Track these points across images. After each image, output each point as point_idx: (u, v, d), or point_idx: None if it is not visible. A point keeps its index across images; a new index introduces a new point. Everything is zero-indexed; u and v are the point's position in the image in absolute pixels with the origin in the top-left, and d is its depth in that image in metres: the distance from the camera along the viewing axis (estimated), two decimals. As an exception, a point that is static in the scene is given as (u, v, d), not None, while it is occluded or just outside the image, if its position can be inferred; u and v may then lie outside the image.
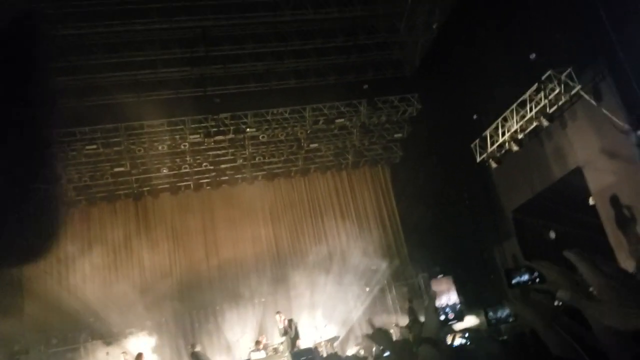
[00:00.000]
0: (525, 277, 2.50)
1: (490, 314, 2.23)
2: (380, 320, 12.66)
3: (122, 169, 14.04)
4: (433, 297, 1.96)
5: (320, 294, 13.97)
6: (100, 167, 14.04)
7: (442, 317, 1.93)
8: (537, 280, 2.38)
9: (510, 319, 2.24)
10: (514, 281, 2.52)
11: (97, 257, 14.01)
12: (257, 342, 11.77)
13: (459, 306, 1.95)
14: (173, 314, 13.46)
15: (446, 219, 13.58)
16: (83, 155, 13.45)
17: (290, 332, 11.52)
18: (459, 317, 1.95)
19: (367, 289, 13.79)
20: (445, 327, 1.95)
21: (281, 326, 11.89)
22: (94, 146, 13.24)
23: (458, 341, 3.16)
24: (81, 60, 12.23)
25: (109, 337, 12.43)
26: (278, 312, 12.33)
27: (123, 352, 12.03)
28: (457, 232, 13.19)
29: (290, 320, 11.83)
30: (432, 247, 13.36)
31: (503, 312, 2.30)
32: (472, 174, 14.18)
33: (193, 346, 11.74)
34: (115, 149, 13.58)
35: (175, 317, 13.48)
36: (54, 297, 13.08)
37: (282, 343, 11.91)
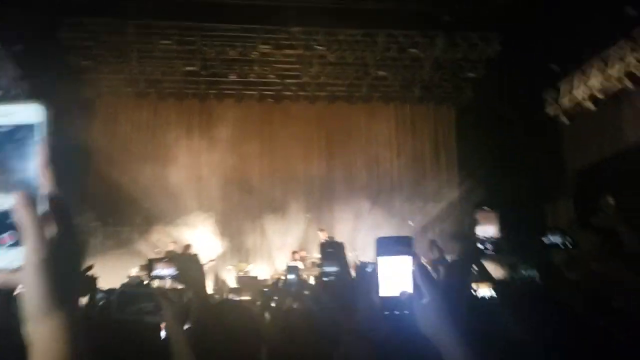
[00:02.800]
0: (559, 240, 2.50)
1: (549, 238, 2.26)
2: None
3: (192, 68, 14.38)
4: (474, 223, 1.99)
5: (363, 221, 14.22)
6: (173, 64, 14.41)
7: (480, 246, 1.96)
8: (570, 245, 2.38)
9: (566, 244, 2.26)
10: (547, 241, 2.52)
11: (160, 147, 14.74)
12: (294, 252, 12.26)
13: (498, 241, 1.98)
14: (222, 213, 14.12)
15: (506, 170, 13.29)
16: (158, 50, 13.82)
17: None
18: (497, 251, 1.98)
19: (411, 224, 13.89)
20: (482, 256, 1.99)
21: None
22: (169, 42, 13.57)
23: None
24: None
25: (161, 225, 13.23)
26: (321, 230, 12.68)
27: (172, 242, 12.82)
28: (514, 183, 12.92)
29: (331, 238, 12.16)
30: (486, 196, 13.18)
31: (557, 239, 2.32)
32: (541, 126, 13.68)
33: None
34: (188, 47, 13.85)
35: (224, 217, 14.14)
36: (116, 177, 13.91)
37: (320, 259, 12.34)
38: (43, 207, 0.71)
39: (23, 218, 0.69)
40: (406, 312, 1.18)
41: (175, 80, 14.80)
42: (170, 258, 2.32)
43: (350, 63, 14.75)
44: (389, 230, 14.10)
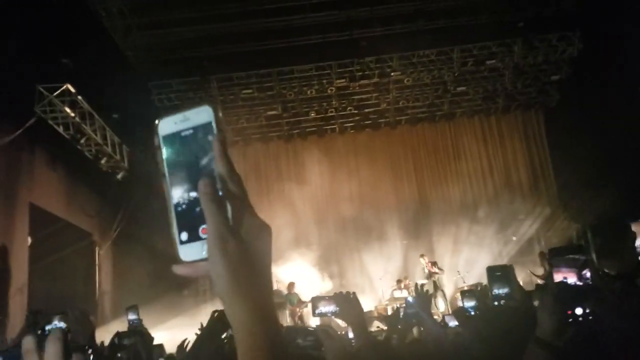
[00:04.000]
0: None
1: None
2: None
3: (274, 112, 14.91)
4: (634, 237, 1.90)
5: (463, 241, 13.85)
6: (255, 110, 15.02)
7: None
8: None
9: None
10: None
11: (252, 194, 15.17)
12: (399, 281, 12.11)
13: None
14: (320, 248, 14.28)
15: (608, 174, 12.48)
16: (240, 99, 14.47)
17: (438, 273, 11.63)
18: None
19: (514, 238, 13.35)
20: None
21: (426, 270, 12.04)
22: (250, 90, 14.18)
23: None
24: (235, 7, 12.90)
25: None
26: (422, 255, 12.49)
27: (276, 280, 13.08)
28: (616, 187, 12.10)
29: (434, 263, 11.93)
30: (588, 200, 12.43)
31: None
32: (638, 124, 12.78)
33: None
34: (268, 93, 14.39)
35: (323, 252, 14.29)
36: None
37: (423, 285, 12.10)
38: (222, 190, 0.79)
39: (208, 203, 0.76)
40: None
41: (259, 125, 15.36)
42: (332, 296, 2.38)
43: (428, 83, 14.65)
44: (492, 249, 13.63)
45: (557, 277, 1.28)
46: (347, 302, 2.24)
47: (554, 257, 1.31)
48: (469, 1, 12.94)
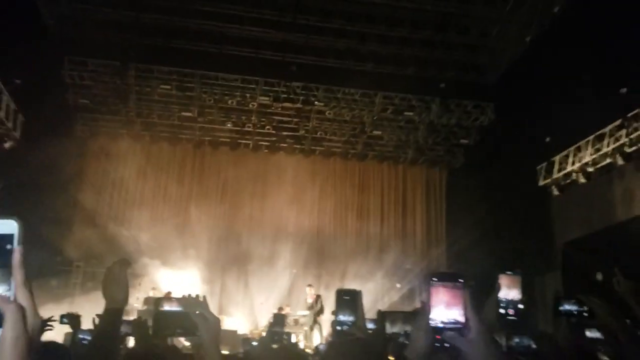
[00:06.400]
0: (574, 308, 2.44)
1: (564, 306, 2.22)
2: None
3: (189, 114, 14.47)
4: (497, 288, 1.92)
5: (350, 279, 14.00)
6: (170, 108, 14.50)
7: (502, 311, 1.89)
8: (586, 314, 2.33)
9: (582, 313, 2.26)
10: (561, 308, 2.46)
11: (148, 191, 14.62)
12: (280, 309, 11.94)
13: (520, 305, 1.91)
14: (207, 261, 13.83)
15: (494, 237, 13.26)
16: (156, 94, 13.93)
17: (316, 307, 11.61)
18: (518, 315, 1.91)
19: (398, 286, 13.70)
20: (502, 320, 1.92)
21: (309, 300, 11.98)
22: (169, 87, 13.71)
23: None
24: (174, 2, 12.55)
25: (143, 270, 12.91)
26: (309, 285, 12.41)
27: (153, 288, 12.49)
28: (502, 251, 12.87)
29: (318, 296, 11.91)
30: (473, 261, 13.08)
31: (573, 307, 2.27)
32: (531, 197, 13.77)
33: None
34: (188, 94, 13.98)
35: (208, 265, 13.85)
36: (101, 218, 13.72)
37: (304, 316, 12.03)
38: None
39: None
40: (455, 344, 1.22)
41: (170, 124, 14.82)
42: (180, 298, 2.22)
43: (348, 120, 14.95)
44: (375, 292, 13.89)
45: (436, 297, 1.27)
46: (194, 306, 2.07)
47: (432, 277, 1.30)
48: (399, 52, 13.46)
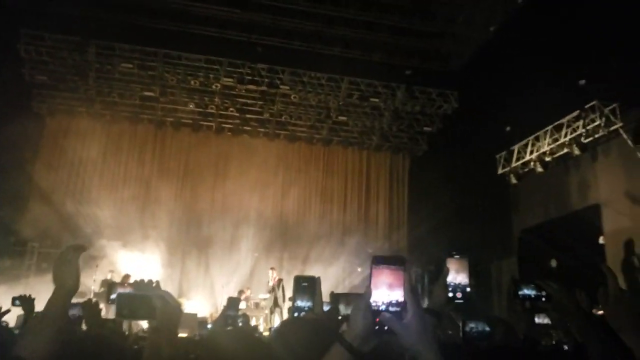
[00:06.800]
0: (532, 292, 2.50)
1: (523, 290, 2.27)
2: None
3: (151, 94, 14.13)
4: (446, 273, 1.95)
5: (312, 263, 14.06)
6: (131, 88, 14.12)
7: (450, 294, 1.92)
8: (544, 299, 2.38)
9: (541, 298, 2.32)
10: (520, 292, 2.52)
11: (108, 172, 14.28)
12: (240, 292, 11.92)
13: (468, 288, 1.94)
14: (167, 243, 13.65)
15: (453, 223, 13.52)
16: (117, 72, 13.54)
17: (277, 290, 11.62)
18: (466, 298, 1.94)
19: (359, 270, 13.84)
20: (451, 303, 1.95)
21: (271, 283, 11.98)
22: (130, 65, 13.34)
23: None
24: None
25: (102, 251, 12.64)
26: (272, 268, 12.39)
27: (111, 270, 12.25)
28: (460, 237, 13.13)
29: (280, 280, 11.91)
30: (432, 247, 13.32)
31: (532, 291, 2.33)
32: (490, 184, 14.07)
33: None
34: (150, 73, 13.64)
35: (169, 247, 13.67)
36: (59, 199, 13.34)
37: (265, 299, 12.04)
38: None
39: None
40: (391, 326, 1.22)
41: (132, 104, 14.46)
42: (133, 282, 2.18)
43: (313, 105, 14.88)
44: (337, 276, 14.00)
45: (378, 279, 1.28)
46: (148, 291, 2.04)
47: (375, 260, 1.31)
48: (365, 37, 13.42)
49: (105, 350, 2.59)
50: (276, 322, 11.48)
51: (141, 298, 2.11)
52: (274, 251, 14.53)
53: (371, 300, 1.25)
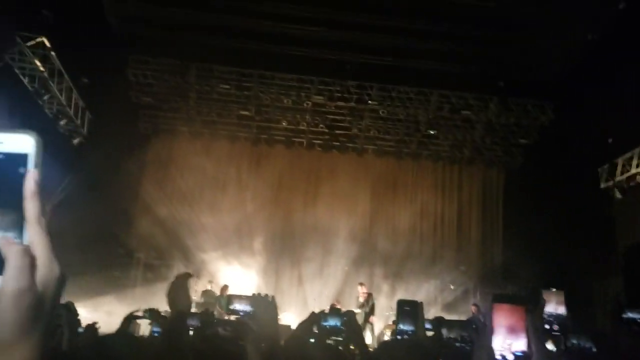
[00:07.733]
0: (638, 317, 2.39)
1: (627, 314, 2.20)
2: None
3: (247, 113, 14.81)
4: (542, 304, 1.95)
5: (403, 280, 13.98)
6: (229, 107, 14.89)
7: (547, 326, 1.91)
8: None
9: None
10: (625, 315, 2.42)
11: (208, 187, 15.07)
12: (332, 304, 12.04)
13: (565, 319, 1.93)
14: (262, 255, 14.14)
15: (553, 240, 12.91)
16: (216, 92, 14.32)
17: (367, 306, 11.64)
18: (563, 331, 1.93)
19: (452, 287, 13.56)
20: (547, 335, 1.95)
21: (361, 299, 12.00)
22: (227, 86, 14.09)
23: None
24: (237, 2, 12.76)
25: (201, 263, 13.34)
26: (361, 284, 12.40)
27: (209, 281, 12.87)
28: (560, 255, 12.53)
29: (369, 294, 11.92)
30: (529, 265, 12.80)
31: (637, 315, 2.25)
32: (593, 199, 13.32)
33: None
34: (246, 93, 14.30)
35: (264, 259, 14.16)
36: (162, 213, 14.23)
37: (356, 314, 12.10)
38: (27, 237, 0.70)
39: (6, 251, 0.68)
40: None
41: (229, 122, 15.21)
42: (250, 296, 2.36)
43: (402, 119, 14.87)
44: (429, 292, 13.80)
45: (498, 320, 1.29)
46: (263, 305, 2.19)
47: (496, 298, 1.32)
48: (459, 48, 13.17)
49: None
50: (367, 338, 11.50)
51: (225, 322, 2.27)
52: (363, 266, 14.58)
53: (492, 345, 1.26)
